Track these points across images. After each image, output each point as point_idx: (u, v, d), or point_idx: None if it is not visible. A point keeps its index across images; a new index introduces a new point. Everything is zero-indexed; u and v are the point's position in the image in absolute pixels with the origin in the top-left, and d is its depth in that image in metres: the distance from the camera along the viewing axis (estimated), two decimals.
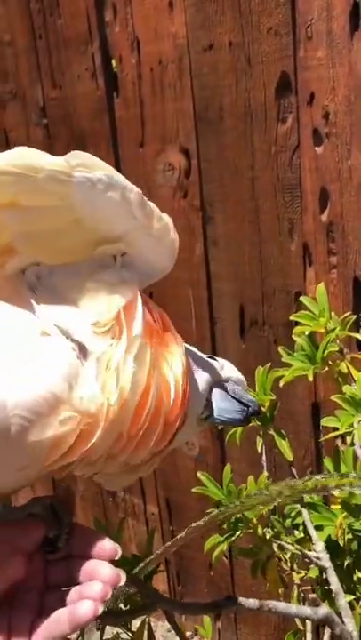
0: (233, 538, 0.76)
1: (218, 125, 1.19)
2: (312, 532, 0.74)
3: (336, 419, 0.73)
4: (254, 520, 0.78)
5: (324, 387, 1.15)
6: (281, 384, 0.78)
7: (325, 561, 0.72)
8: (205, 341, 1.29)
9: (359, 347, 1.04)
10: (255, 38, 1.10)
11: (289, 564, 0.83)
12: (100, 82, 1.36)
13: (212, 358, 0.61)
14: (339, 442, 0.99)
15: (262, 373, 0.79)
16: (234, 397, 0.59)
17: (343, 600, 0.70)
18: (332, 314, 0.79)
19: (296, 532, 0.81)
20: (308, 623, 0.86)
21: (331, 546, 0.74)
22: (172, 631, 0.80)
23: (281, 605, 0.65)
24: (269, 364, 0.79)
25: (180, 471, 1.45)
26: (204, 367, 0.59)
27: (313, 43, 1.04)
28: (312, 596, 0.67)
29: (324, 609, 0.65)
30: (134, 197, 0.51)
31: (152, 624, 0.76)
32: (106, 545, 0.51)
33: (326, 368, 0.78)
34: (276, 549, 0.81)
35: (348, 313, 0.81)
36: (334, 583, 0.71)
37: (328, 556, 0.73)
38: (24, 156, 0.48)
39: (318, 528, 0.76)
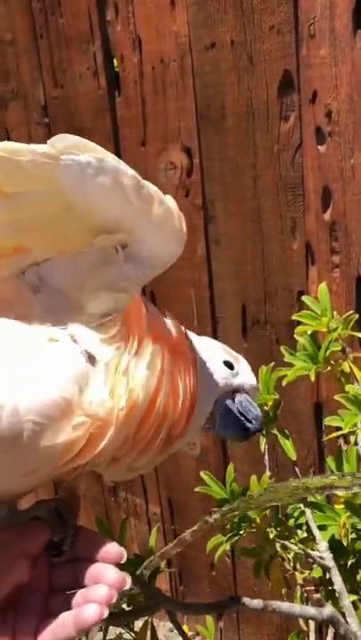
0: (236, 538, 0.76)
1: (220, 124, 1.18)
2: (315, 532, 0.74)
3: (339, 418, 0.72)
4: (258, 520, 0.78)
5: (327, 386, 1.15)
6: (283, 384, 0.77)
7: (329, 561, 0.72)
8: None
9: None
10: (257, 37, 1.09)
11: (292, 564, 0.83)
12: (102, 81, 1.35)
13: (229, 364, 0.58)
14: (341, 441, 0.98)
15: (265, 373, 0.79)
16: (240, 412, 0.57)
17: (347, 600, 0.69)
18: (335, 313, 0.79)
19: (299, 532, 0.81)
20: (312, 623, 0.86)
21: (334, 545, 0.74)
22: (175, 631, 0.80)
23: (285, 605, 0.65)
24: (273, 364, 0.79)
25: (182, 471, 1.45)
26: (215, 376, 0.57)
27: (316, 41, 1.03)
28: (317, 596, 0.66)
29: (328, 609, 0.65)
30: (129, 181, 0.48)
31: (154, 624, 0.76)
32: (111, 548, 0.51)
33: (329, 367, 0.78)
34: (279, 549, 0.81)
35: (351, 312, 0.80)
36: (338, 583, 0.70)
37: (331, 555, 0.72)
38: (6, 143, 0.46)
39: (322, 528, 0.75)
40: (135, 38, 1.27)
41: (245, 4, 1.10)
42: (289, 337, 0.91)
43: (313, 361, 0.77)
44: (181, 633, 0.74)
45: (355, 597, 0.74)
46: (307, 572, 0.82)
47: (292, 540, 0.78)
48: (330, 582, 0.74)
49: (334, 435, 0.75)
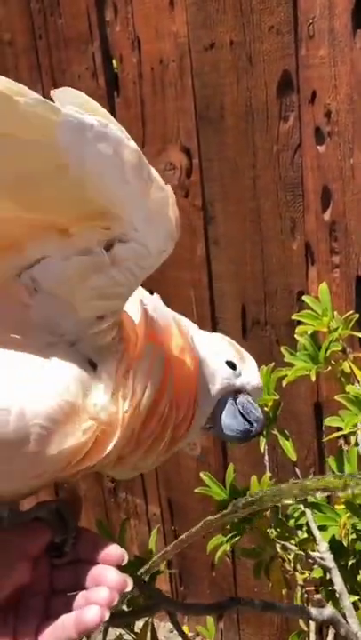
0: (236, 539, 0.76)
1: (219, 124, 1.18)
2: (316, 533, 0.74)
3: (340, 418, 0.72)
4: (258, 520, 0.78)
5: (327, 386, 1.15)
6: (284, 384, 0.77)
7: (329, 561, 0.72)
8: None
9: None
10: (257, 37, 1.09)
11: (292, 565, 0.83)
12: (101, 81, 1.35)
13: (231, 364, 0.57)
14: (342, 442, 0.98)
15: (266, 373, 0.79)
16: (241, 413, 0.57)
17: (347, 600, 0.69)
18: (335, 313, 0.79)
19: (300, 533, 0.80)
20: (312, 624, 0.85)
21: (335, 546, 0.74)
22: (175, 632, 0.80)
23: (285, 606, 0.65)
24: (273, 364, 0.79)
25: (182, 471, 1.45)
26: (216, 376, 0.56)
27: (315, 41, 1.03)
28: (317, 596, 0.66)
29: (328, 610, 0.65)
30: (130, 156, 0.43)
31: (154, 625, 0.75)
32: (112, 550, 0.51)
33: (329, 368, 0.78)
34: (279, 550, 0.80)
35: (351, 312, 0.80)
36: (338, 584, 0.70)
37: (332, 556, 0.72)
38: (8, 80, 0.43)
39: (322, 528, 0.75)
40: (134, 39, 1.27)
41: (244, 5, 1.10)
42: (289, 337, 0.91)
43: (313, 361, 0.77)
44: (181, 633, 0.74)
45: (355, 598, 0.74)
46: (307, 572, 0.82)
47: (293, 541, 0.78)
48: (330, 583, 0.73)
49: (335, 435, 0.74)
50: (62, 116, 0.42)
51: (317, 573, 0.79)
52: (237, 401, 0.57)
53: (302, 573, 0.83)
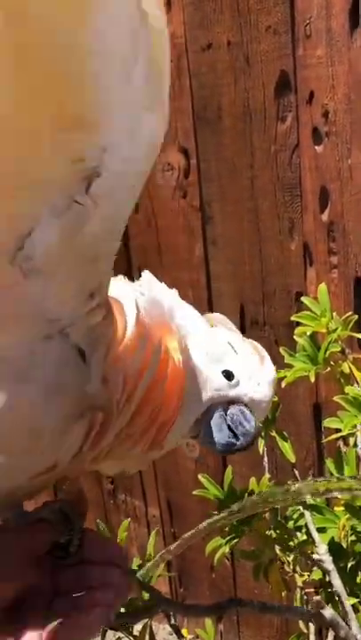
0: (235, 541, 0.76)
1: (217, 125, 1.18)
2: (315, 535, 0.74)
3: (339, 420, 0.72)
4: (257, 522, 0.77)
5: (326, 388, 1.14)
6: (283, 385, 0.77)
7: (328, 563, 0.72)
8: None
9: None
10: (254, 37, 1.09)
11: (292, 567, 0.82)
12: None
13: (228, 374, 0.55)
14: (341, 443, 0.98)
15: None
16: (229, 425, 0.55)
17: (347, 602, 0.69)
18: (334, 314, 0.78)
19: (299, 535, 0.80)
20: (312, 626, 0.85)
21: (334, 548, 0.74)
22: (174, 634, 0.79)
23: (284, 608, 0.65)
24: None
25: (181, 473, 1.44)
26: (208, 384, 0.55)
27: (312, 41, 1.03)
28: (316, 598, 0.66)
29: (328, 611, 0.65)
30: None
31: (153, 627, 0.75)
32: (117, 551, 0.51)
33: (328, 369, 0.77)
34: (278, 552, 0.80)
35: (350, 313, 0.80)
36: (338, 586, 0.70)
37: (331, 558, 0.72)
38: None
39: (321, 530, 0.75)
40: None
41: (242, 5, 1.09)
42: (288, 338, 0.91)
43: (313, 362, 0.77)
44: (178, 635, 0.74)
45: (355, 600, 0.73)
46: (306, 574, 0.82)
47: (292, 543, 0.78)
48: (330, 585, 0.73)
49: (333, 436, 0.74)
50: None
51: (317, 575, 0.79)
52: (228, 412, 0.55)
53: (302, 575, 0.83)
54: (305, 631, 0.88)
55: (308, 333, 0.78)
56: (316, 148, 1.07)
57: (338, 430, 0.72)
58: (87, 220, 0.41)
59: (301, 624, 0.88)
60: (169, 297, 0.57)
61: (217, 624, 1.49)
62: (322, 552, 0.72)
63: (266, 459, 0.83)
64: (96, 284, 0.46)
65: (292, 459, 0.79)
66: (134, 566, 0.77)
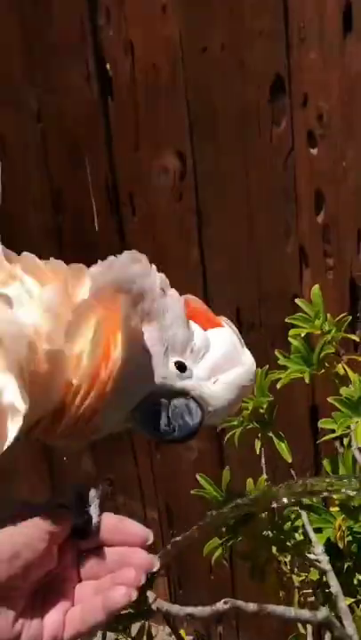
0: (231, 542, 0.76)
1: (212, 128, 1.19)
2: (311, 535, 0.74)
3: (333, 421, 0.72)
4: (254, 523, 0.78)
5: (323, 389, 1.15)
6: (278, 386, 0.77)
7: (325, 564, 0.72)
8: None
9: (356, 348, 1.04)
10: (248, 41, 1.10)
11: (289, 568, 0.83)
12: (94, 86, 1.36)
13: (181, 365, 0.54)
14: (338, 444, 0.98)
15: (261, 375, 0.79)
16: (167, 415, 0.54)
17: (343, 603, 0.69)
18: (328, 316, 0.79)
19: (296, 535, 0.81)
20: (309, 627, 0.85)
21: (330, 548, 0.74)
22: (173, 636, 0.80)
23: (279, 609, 0.65)
24: (267, 366, 0.79)
25: (180, 475, 1.45)
26: (154, 371, 0.53)
27: (306, 45, 1.04)
28: (311, 599, 0.66)
29: (323, 612, 0.65)
30: None
31: (153, 629, 0.76)
32: (137, 531, 0.51)
33: (323, 370, 0.78)
34: (276, 552, 0.81)
35: (344, 314, 0.81)
36: (334, 586, 0.70)
37: (328, 558, 0.72)
38: None
39: (318, 531, 0.75)
40: (127, 43, 1.27)
41: (236, 9, 1.10)
42: (284, 340, 0.91)
43: (307, 363, 0.78)
44: (177, 635, 0.74)
45: (351, 600, 0.74)
46: (303, 575, 0.82)
47: (289, 544, 0.78)
48: (328, 585, 0.73)
49: (327, 437, 0.75)
50: None
51: (314, 576, 0.79)
52: (172, 402, 0.54)
53: (299, 576, 0.83)
54: (303, 632, 0.88)
55: (303, 335, 0.78)
56: (311, 150, 1.08)
57: (333, 431, 0.73)
58: None
59: (300, 625, 0.89)
60: (147, 279, 0.55)
61: (216, 627, 1.50)
62: (318, 552, 0.73)
63: (263, 460, 0.83)
64: None
65: (289, 459, 0.79)
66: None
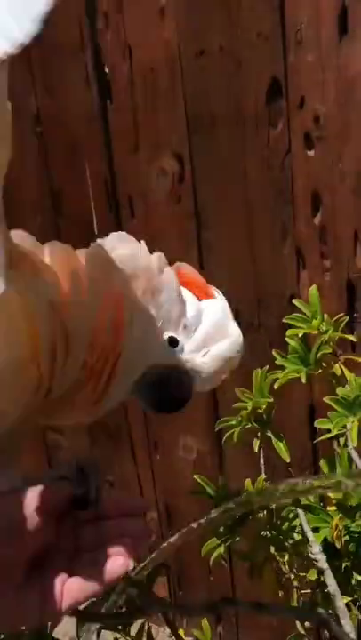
0: (229, 542, 0.76)
1: (210, 131, 1.19)
2: (309, 534, 0.74)
3: (329, 420, 0.73)
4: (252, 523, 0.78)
5: (321, 389, 1.15)
6: (275, 386, 0.78)
7: (322, 563, 0.72)
8: None
9: (354, 349, 1.04)
10: (245, 44, 1.10)
11: (287, 567, 0.83)
12: (93, 89, 1.36)
13: (173, 341, 0.56)
14: (335, 443, 0.99)
15: (260, 376, 0.79)
16: (161, 389, 0.56)
17: (341, 602, 0.69)
18: (326, 316, 0.79)
19: (295, 535, 0.81)
20: (308, 626, 0.86)
21: (328, 548, 0.74)
22: (173, 637, 0.80)
23: (277, 608, 0.65)
24: (267, 367, 0.80)
25: (179, 475, 1.45)
26: (151, 347, 0.56)
27: (303, 47, 1.04)
28: (307, 598, 0.67)
29: (320, 611, 0.65)
30: None
31: (153, 630, 0.76)
32: (134, 502, 0.52)
33: (321, 370, 0.78)
34: (274, 552, 0.81)
35: (341, 314, 0.81)
36: (332, 585, 0.71)
37: (325, 557, 0.73)
38: None
39: (315, 530, 0.76)
40: (125, 46, 1.28)
41: (233, 12, 1.11)
42: (282, 340, 0.92)
43: (304, 363, 0.78)
44: (176, 635, 0.75)
45: (348, 599, 0.74)
46: (302, 574, 0.82)
47: (286, 543, 0.78)
48: (326, 585, 0.74)
49: (324, 437, 0.75)
50: None
51: (312, 575, 0.80)
52: (166, 374, 0.56)
53: (297, 575, 0.83)
54: (302, 632, 0.89)
55: (300, 335, 0.79)
56: (308, 152, 1.08)
57: (330, 431, 0.73)
58: None
59: (299, 625, 0.89)
60: (140, 260, 0.56)
61: (216, 626, 1.50)
62: (316, 552, 0.73)
63: (262, 460, 0.84)
64: None
65: (287, 459, 0.79)
66: (131, 569, 0.77)
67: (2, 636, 0.66)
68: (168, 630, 1.18)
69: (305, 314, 0.79)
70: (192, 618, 1.23)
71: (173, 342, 0.57)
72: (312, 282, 1.11)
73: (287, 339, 0.80)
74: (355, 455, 0.73)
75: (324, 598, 0.77)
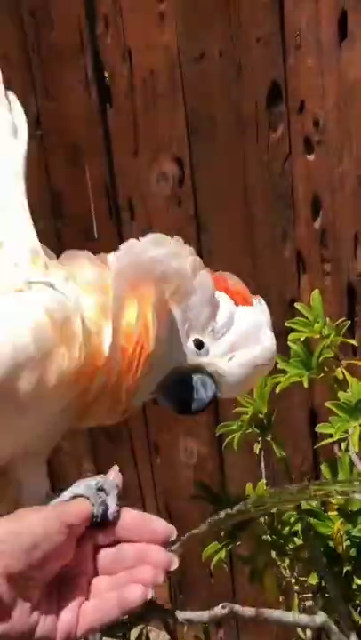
0: (230, 546, 0.76)
1: (210, 134, 1.19)
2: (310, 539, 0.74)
3: (331, 425, 0.73)
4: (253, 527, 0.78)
5: (322, 393, 1.15)
6: (277, 390, 0.78)
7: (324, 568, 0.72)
8: None
9: (355, 352, 1.04)
10: (245, 48, 1.11)
11: (288, 572, 0.83)
12: (93, 93, 1.36)
13: (198, 343, 0.57)
14: (336, 448, 0.99)
15: (261, 382, 0.79)
16: (186, 389, 0.57)
17: (342, 607, 0.69)
18: (328, 320, 0.79)
19: (296, 539, 0.81)
20: (309, 631, 0.86)
21: (329, 552, 0.74)
22: None
23: (277, 613, 0.65)
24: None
25: (180, 480, 1.45)
26: (177, 349, 0.56)
27: (302, 51, 1.05)
28: (308, 603, 0.67)
29: (321, 617, 0.65)
30: None
31: (153, 634, 0.76)
32: (158, 527, 0.50)
33: (322, 374, 0.78)
34: (275, 557, 0.81)
35: (343, 319, 0.81)
36: (332, 590, 0.70)
37: (326, 562, 0.72)
38: None
39: (316, 535, 0.75)
40: (125, 50, 1.28)
41: (233, 16, 1.11)
42: (283, 344, 0.92)
43: (306, 367, 0.78)
44: None
45: (349, 605, 0.74)
46: (303, 579, 0.82)
47: (287, 548, 0.78)
48: (326, 589, 0.74)
49: (325, 442, 0.75)
50: None
51: (313, 580, 0.80)
52: (190, 377, 0.57)
53: (298, 580, 0.83)
54: (303, 637, 0.88)
55: (302, 339, 0.79)
56: (308, 156, 1.08)
57: (331, 435, 0.73)
58: None
59: (299, 629, 0.89)
60: (173, 262, 0.57)
61: (217, 631, 1.49)
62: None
63: (263, 464, 0.84)
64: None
65: (288, 464, 0.79)
66: None
67: None
68: (167, 635, 1.17)
69: (307, 318, 0.79)
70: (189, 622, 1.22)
71: (199, 345, 0.57)
72: (313, 285, 1.11)
73: (289, 343, 0.80)
74: (356, 459, 0.73)
75: (325, 603, 0.77)
